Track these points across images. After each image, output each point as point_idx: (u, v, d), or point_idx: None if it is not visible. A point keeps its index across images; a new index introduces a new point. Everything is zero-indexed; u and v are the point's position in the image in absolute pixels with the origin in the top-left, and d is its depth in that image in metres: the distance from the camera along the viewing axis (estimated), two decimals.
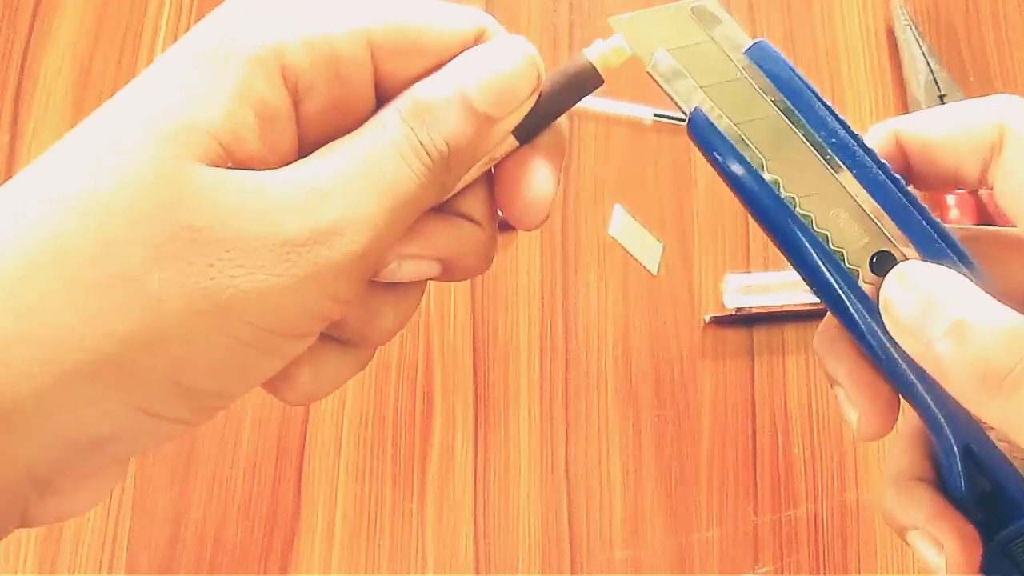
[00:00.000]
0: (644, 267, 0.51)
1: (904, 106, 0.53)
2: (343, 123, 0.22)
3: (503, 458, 0.47)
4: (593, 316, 0.50)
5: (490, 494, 0.47)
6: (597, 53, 0.24)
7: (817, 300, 0.24)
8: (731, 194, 0.26)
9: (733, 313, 0.49)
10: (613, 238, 0.51)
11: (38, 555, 0.46)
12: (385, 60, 0.22)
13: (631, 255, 0.51)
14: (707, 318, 0.49)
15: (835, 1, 0.55)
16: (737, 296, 0.49)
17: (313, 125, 0.22)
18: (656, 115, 0.52)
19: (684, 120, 0.26)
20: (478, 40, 0.23)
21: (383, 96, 0.22)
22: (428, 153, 0.21)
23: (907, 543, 0.24)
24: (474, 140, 0.22)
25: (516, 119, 0.23)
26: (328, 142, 0.22)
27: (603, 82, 0.25)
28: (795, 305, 0.48)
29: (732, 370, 0.49)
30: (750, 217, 0.26)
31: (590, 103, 0.53)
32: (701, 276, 0.50)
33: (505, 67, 0.22)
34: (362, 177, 0.21)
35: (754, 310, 0.49)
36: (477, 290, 0.50)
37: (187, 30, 0.21)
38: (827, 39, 0.55)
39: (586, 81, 0.25)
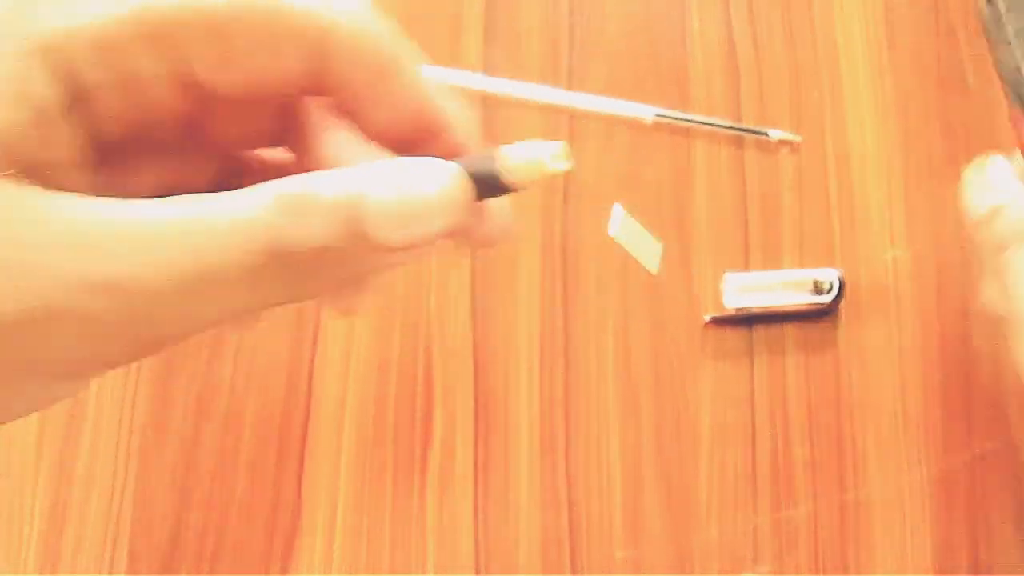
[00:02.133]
0: (644, 267, 0.51)
1: (904, 105, 0.53)
2: (151, 134, 0.20)
3: (503, 458, 0.47)
4: (593, 316, 0.50)
5: (490, 494, 0.47)
6: (511, 162, 0.20)
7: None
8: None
9: (733, 313, 0.49)
10: (613, 238, 0.51)
11: (38, 555, 0.46)
12: (194, 59, 0.19)
13: (631, 255, 0.51)
14: (707, 318, 0.49)
15: (835, 1, 0.56)
16: (737, 296, 0.49)
17: (112, 131, 0.19)
18: (656, 115, 0.52)
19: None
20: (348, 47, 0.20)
21: (218, 110, 0.20)
22: (281, 255, 0.18)
23: None
24: (352, 263, 0.19)
25: (416, 254, 0.20)
26: (141, 152, 0.20)
27: (517, 190, 0.21)
28: (795, 305, 0.48)
29: (732, 370, 0.49)
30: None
31: (590, 103, 0.53)
32: (701, 276, 0.50)
33: (419, 198, 0.19)
34: (187, 243, 0.17)
35: (754, 310, 0.49)
36: (477, 290, 0.50)
37: None
38: (827, 39, 0.55)
39: (496, 187, 0.21)
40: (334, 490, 0.47)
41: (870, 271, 0.50)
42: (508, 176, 0.20)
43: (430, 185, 0.19)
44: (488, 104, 0.53)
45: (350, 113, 0.21)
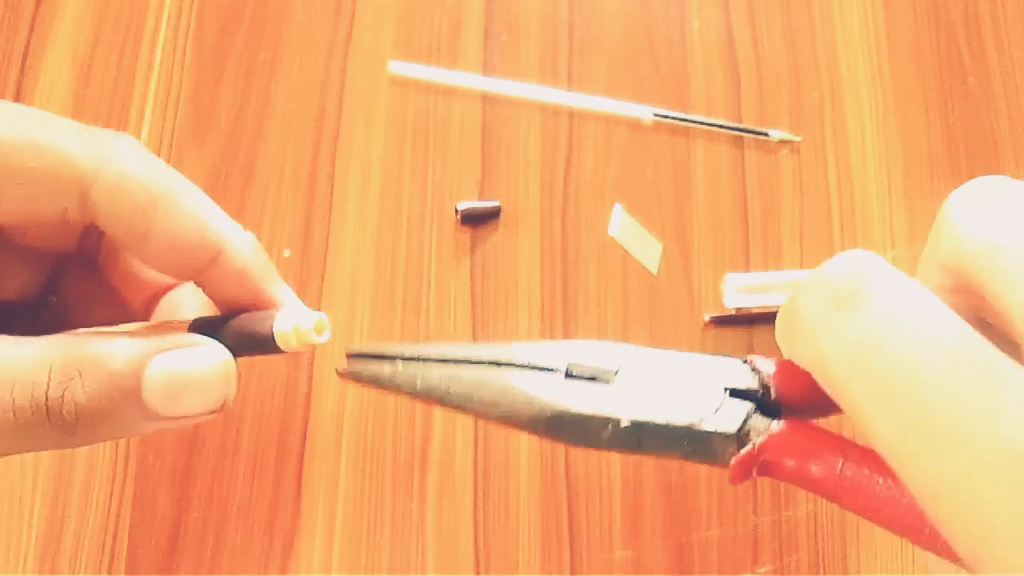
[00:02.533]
0: (644, 267, 0.51)
1: (904, 105, 0.53)
2: None
3: (503, 458, 0.47)
4: (593, 316, 0.50)
5: (490, 494, 0.47)
6: (285, 327, 0.23)
7: None
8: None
9: (733, 313, 0.49)
10: (613, 238, 0.51)
11: (38, 555, 0.46)
12: None
13: (631, 255, 0.51)
14: (707, 318, 0.49)
15: (835, 1, 0.56)
16: (737, 296, 0.49)
17: None
18: (656, 115, 0.52)
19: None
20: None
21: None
22: (49, 410, 0.19)
23: None
24: (122, 424, 0.20)
25: (187, 423, 0.21)
26: None
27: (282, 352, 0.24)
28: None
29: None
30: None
31: (590, 103, 0.53)
32: (701, 276, 0.50)
33: (195, 376, 0.21)
34: None
35: (754, 310, 0.49)
36: (477, 289, 0.50)
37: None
38: (827, 39, 0.55)
39: (266, 346, 0.23)
40: (334, 490, 0.47)
41: None
42: (280, 342, 0.23)
43: (205, 368, 0.21)
44: (488, 104, 0.53)
45: (128, 242, 0.22)
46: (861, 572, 0.46)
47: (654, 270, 0.51)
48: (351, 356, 0.24)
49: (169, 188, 0.22)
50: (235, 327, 0.23)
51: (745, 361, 0.22)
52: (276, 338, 0.23)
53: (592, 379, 0.21)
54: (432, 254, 0.51)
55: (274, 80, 0.54)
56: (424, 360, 0.23)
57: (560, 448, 0.48)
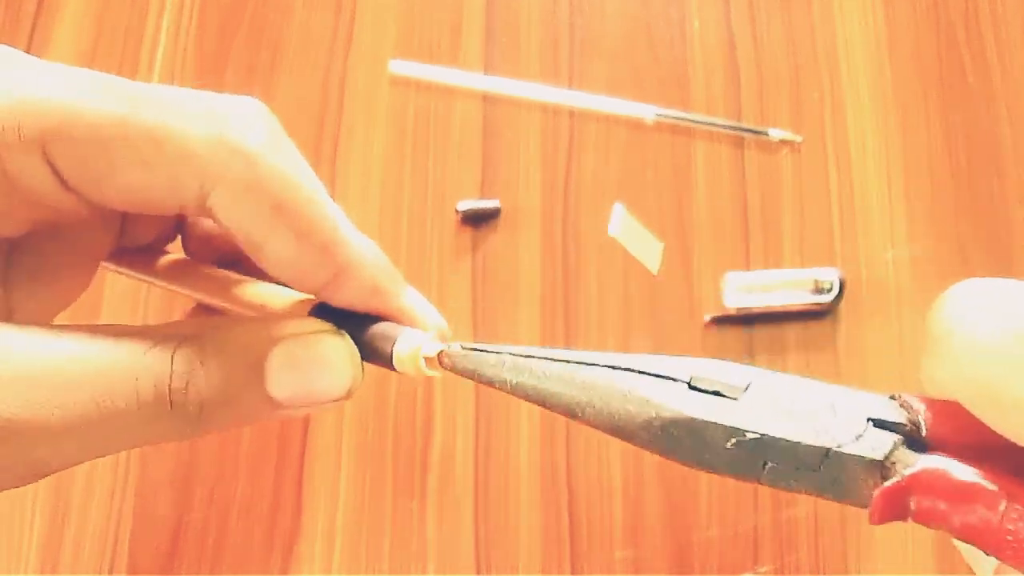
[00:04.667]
0: (644, 267, 0.51)
1: (904, 105, 0.53)
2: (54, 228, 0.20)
3: (503, 458, 0.47)
4: (593, 316, 0.50)
5: (490, 494, 0.47)
6: (403, 352, 0.22)
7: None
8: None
9: (733, 313, 0.49)
10: (613, 238, 0.51)
11: (39, 555, 0.46)
12: (57, 154, 0.18)
13: (631, 255, 0.51)
14: (707, 318, 0.49)
15: (835, 1, 0.56)
16: (737, 295, 0.49)
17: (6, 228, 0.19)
18: (656, 115, 0.52)
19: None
20: (224, 148, 0.19)
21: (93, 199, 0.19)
22: (173, 401, 0.18)
23: None
24: (245, 412, 0.19)
25: (312, 411, 0.21)
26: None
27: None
28: (795, 305, 0.48)
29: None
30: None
31: (590, 103, 0.53)
32: (701, 275, 0.50)
33: (320, 364, 0.20)
34: (83, 384, 0.17)
35: (754, 310, 0.49)
36: (477, 289, 0.50)
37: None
38: (827, 39, 0.55)
39: (383, 361, 0.22)
40: (334, 491, 0.47)
41: (870, 271, 0.50)
42: (397, 364, 0.22)
43: (330, 356, 0.20)
44: (489, 104, 0.53)
45: (246, 248, 0.21)
46: (861, 572, 0.46)
47: (654, 270, 0.51)
48: (448, 347, 0.22)
49: (295, 198, 0.20)
50: (357, 330, 0.22)
51: (893, 397, 0.19)
52: (394, 358, 0.22)
53: (717, 394, 0.19)
54: (433, 254, 0.51)
55: (274, 80, 0.54)
56: (531, 357, 0.20)
57: (560, 448, 0.48)
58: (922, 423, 0.18)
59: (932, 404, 0.18)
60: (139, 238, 0.25)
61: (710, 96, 0.53)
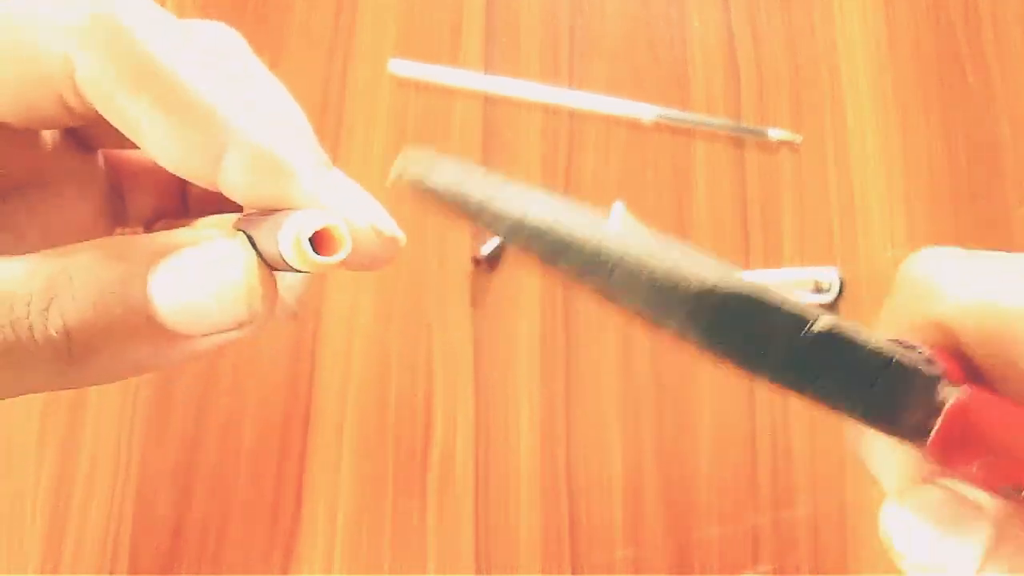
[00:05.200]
0: None
1: (904, 105, 0.53)
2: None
3: (503, 458, 0.48)
4: (593, 316, 0.50)
5: (490, 494, 0.47)
6: (287, 238, 0.17)
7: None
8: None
9: None
10: None
11: (40, 555, 0.46)
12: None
13: None
14: None
15: (835, 1, 0.56)
16: None
17: None
18: (656, 115, 0.52)
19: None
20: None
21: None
22: (32, 328, 0.16)
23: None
24: (134, 348, 0.17)
25: (214, 341, 0.17)
26: None
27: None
28: None
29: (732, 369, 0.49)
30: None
31: (590, 103, 0.53)
32: None
33: (213, 303, 0.16)
34: None
35: None
36: (477, 289, 0.50)
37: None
38: (827, 39, 0.55)
39: (283, 262, 0.17)
40: (334, 490, 0.47)
41: (870, 271, 0.50)
42: (289, 258, 0.17)
43: (221, 268, 0.17)
44: (489, 104, 0.53)
45: (121, 122, 0.18)
46: (861, 572, 0.46)
47: None
48: (413, 165, 0.18)
49: (161, 62, 0.17)
50: (255, 232, 0.18)
51: (896, 340, 0.17)
52: (283, 254, 0.17)
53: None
54: (432, 254, 0.51)
55: None
56: (533, 198, 0.16)
57: (561, 448, 0.48)
58: (936, 361, 0.16)
59: (936, 350, 0.17)
60: (141, 211, 0.23)
61: (710, 96, 0.54)
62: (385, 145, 0.53)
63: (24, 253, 0.17)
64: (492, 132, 0.53)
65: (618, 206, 0.52)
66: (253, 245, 0.17)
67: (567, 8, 0.56)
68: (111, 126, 0.18)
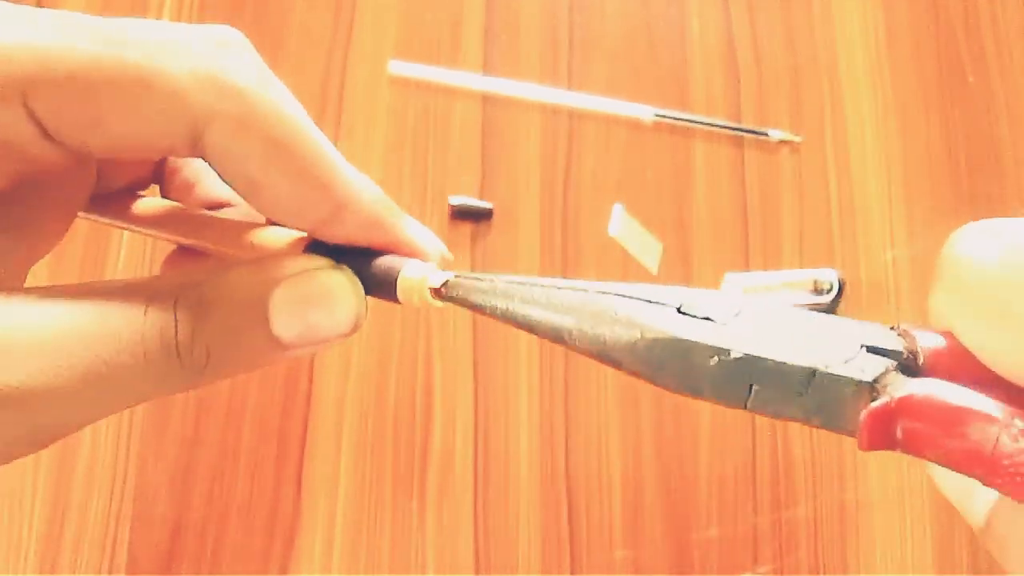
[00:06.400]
0: (644, 267, 0.51)
1: (904, 105, 0.53)
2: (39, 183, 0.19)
3: (503, 458, 0.47)
4: None
5: (490, 494, 0.47)
6: (410, 281, 0.21)
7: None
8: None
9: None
10: (613, 238, 0.51)
11: (39, 555, 0.46)
12: (38, 103, 0.17)
13: (631, 255, 0.51)
14: None
15: (835, 1, 0.56)
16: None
17: None
18: (656, 115, 0.52)
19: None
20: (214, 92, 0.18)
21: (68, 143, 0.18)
22: (180, 352, 0.18)
23: None
24: (251, 356, 0.19)
25: (320, 349, 0.20)
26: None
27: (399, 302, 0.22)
28: (795, 305, 0.48)
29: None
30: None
31: (590, 103, 0.53)
32: (701, 276, 0.50)
33: (322, 298, 0.19)
34: (84, 347, 0.17)
35: None
36: None
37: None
38: (827, 39, 0.55)
39: (388, 291, 0.22)
40: (334, 490, 0.47)
41: (870, 271, 0.50)
42: (401, 293, 0.21)
43: (332, 289, 0.20)
44: (488, 104, 0.53)
45: (240, 190, 0.20)
46: (861, 572, 0.46)
47: (654, 270, 0.51)
48: (442, 279, 0.21)
49: (292, 132, 0.19)
50: (357, 264, 0.21)
51: (893, 328, 0.18)
52: (398, 288, 0.21)
53: (706, 319, 0.18)
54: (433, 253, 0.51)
55: None
56: (522, 284, 0.20)
57: (560, 448, 0.48)
58: (920, 352, 0.17)
59: (933, 335, 0.17)
60: (113, 183, 0.24)
61: (710, 96, 0.53)
62: (385, 145, 0.53)
63: (25, 248, 0.18)
64: (492, 132, 0.53)
65: (618, 207, 0.52)
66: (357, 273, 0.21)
67: (567, 8, 0.56)
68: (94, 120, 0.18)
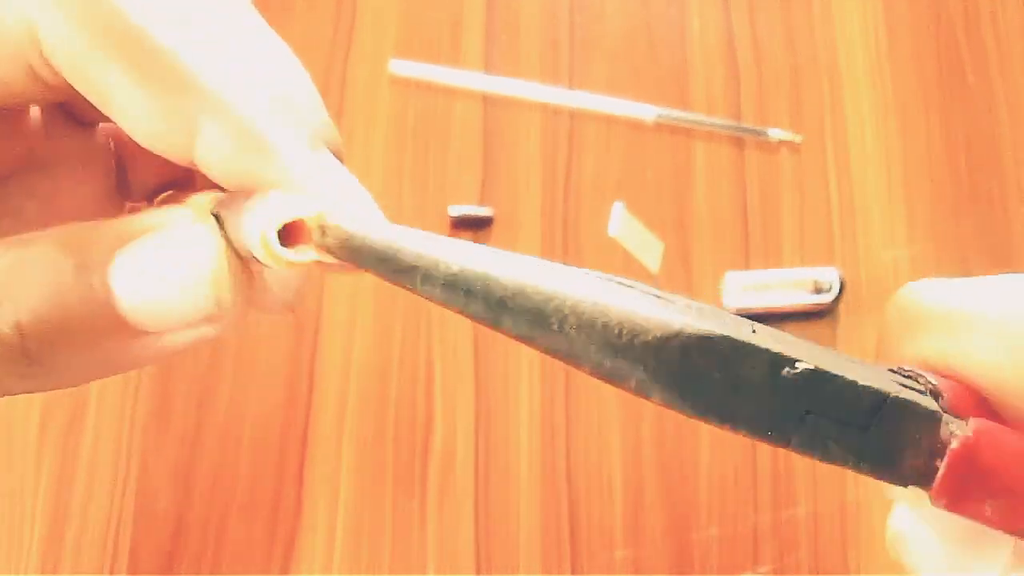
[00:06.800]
0: (644, 266, 0.51)
1: (904, 105, 0.53)
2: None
3: (503, 458, 0.48)
4: None
5: (490, 494, 0.47)
6: (252, 234, 0.15)
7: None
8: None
9: (733, 312, 0.49)
10: (613, 238, 0.51)
11: (40, 555, 0.46)
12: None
13: (631, 255, 0.51)
14: None
15: (835, 1, 0.56)
16: (737, 295, 0.49)
17: None
18: (656, 115, 0.52)
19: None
20: None
21: None
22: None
23: None
24: (101, 346, 0.15)
25: (186, 337, 0.15)
26: None
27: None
28: (795, 305, 0.48)
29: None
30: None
31: (590, 103, 0.53)
32: (701, 275, 0.50)
33: (177, 294, 0.15)
34: None
35: (754, 309, 0.49)
36: None
37: None
38: (827, 39, 0.55)
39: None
40: (335, 490, 0.47)
41: (870, 271, 0.50)
42: (256, 252, 0.15)
43: (185, 278, 0.15)
44: (489, 104, 0.53)
45: (88, 86, 0.16)
46: (861, 572, 0.46)
47: (654, 270, 0.51)
48: (325, 217, 0.15)
49: (134, 19, 0.15)
50: (228, 216, 0.16)
51: (892, 370, 0.15)
52: (250, 246, 0.15)
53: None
54: None
55: None
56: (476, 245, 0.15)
57: (561, 447, 0.48)
58: (942, 394, 0.14)
59: (931, 375, 0.15)
60: (143, 183, 0.21)
61: (710, 96, 0.54)
62: (385, 145, 0.53)
63: None
64: (492, 132, 0.53)
65: (618, 207, 0.52)
66: (225, 230, 0.16)
67: (567, 8, 0.56)
68: None
